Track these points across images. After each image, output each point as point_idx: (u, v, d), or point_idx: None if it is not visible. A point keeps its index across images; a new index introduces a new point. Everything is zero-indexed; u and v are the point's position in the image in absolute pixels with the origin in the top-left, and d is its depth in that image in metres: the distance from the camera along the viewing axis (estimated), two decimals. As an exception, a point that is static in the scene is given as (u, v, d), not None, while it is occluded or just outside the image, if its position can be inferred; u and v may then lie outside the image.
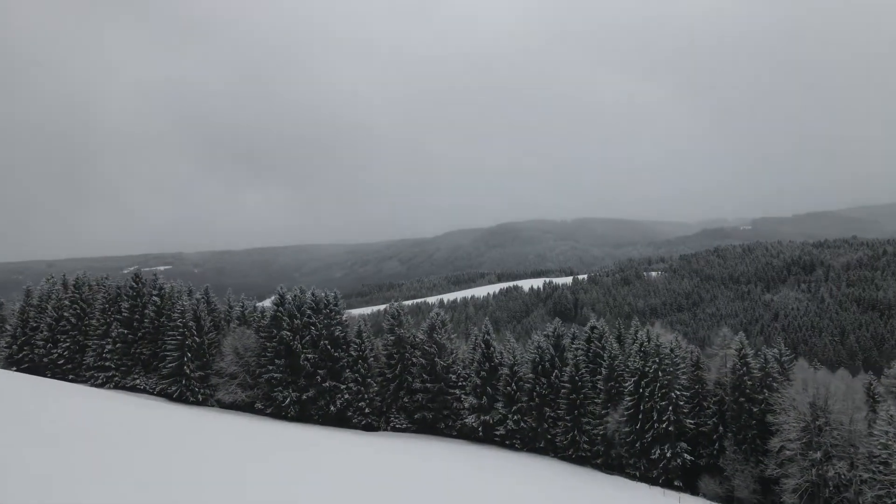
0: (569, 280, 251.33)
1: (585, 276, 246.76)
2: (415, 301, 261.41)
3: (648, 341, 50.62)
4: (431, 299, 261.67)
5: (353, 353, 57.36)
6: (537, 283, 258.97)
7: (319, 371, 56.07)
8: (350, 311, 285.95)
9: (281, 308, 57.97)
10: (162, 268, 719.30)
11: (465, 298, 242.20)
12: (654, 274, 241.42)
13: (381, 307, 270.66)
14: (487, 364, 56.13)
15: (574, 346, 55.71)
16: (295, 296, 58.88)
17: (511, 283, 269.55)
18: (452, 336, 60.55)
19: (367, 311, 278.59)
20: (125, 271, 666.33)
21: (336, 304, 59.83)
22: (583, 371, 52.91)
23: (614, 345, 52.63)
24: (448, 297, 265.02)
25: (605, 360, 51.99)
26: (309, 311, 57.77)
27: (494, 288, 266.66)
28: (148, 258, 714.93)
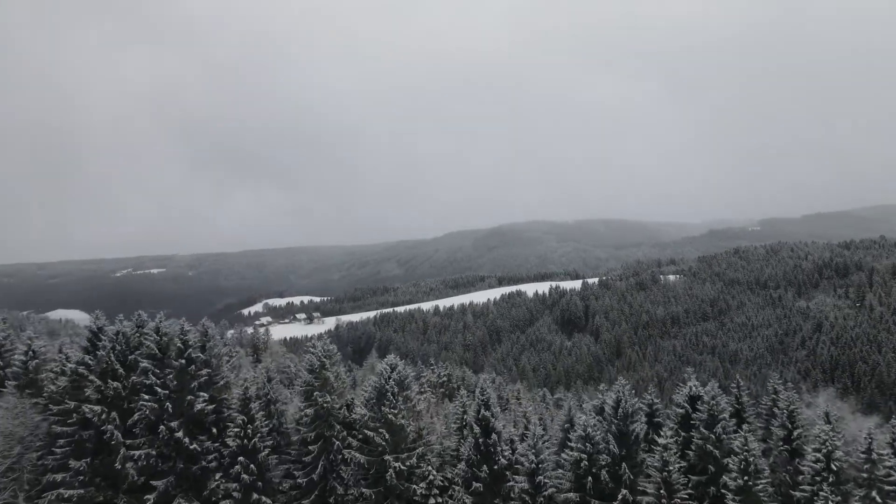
0: (577, 284, 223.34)
1: (595, 280, 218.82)
2: (408, 307, 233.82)
3: (831, 433, 22.65)
4: (426, 305, 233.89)
5: (230, 441, 29.58)
6: (542, 287, 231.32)
7: (158, 480, 28.35)
8: (340, 317, 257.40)
9: (90, 357, 30.05)
10: (155, 270, 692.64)
11: (462, 305, 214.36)
12: (671, 277, 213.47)
13: (374, 313, 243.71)
14: (485, 467, 28.47)
15: (662, 438, 27.76)
16: (120, 332, 30.90)
17: (513, 288, 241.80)
18: (420, 406, 32.65)
19: (355, 317, 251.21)
20: (117, 274, 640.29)
21: (204, 348, 31.71)
22: (680, 494, 25.07)
23: (751, 444, 24.71)
24: (444, 302, 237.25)
25: (732, 472, 24.23)
26: (146, 364, 29.88)
27: (495, 293, 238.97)
28: (142, 260, 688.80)
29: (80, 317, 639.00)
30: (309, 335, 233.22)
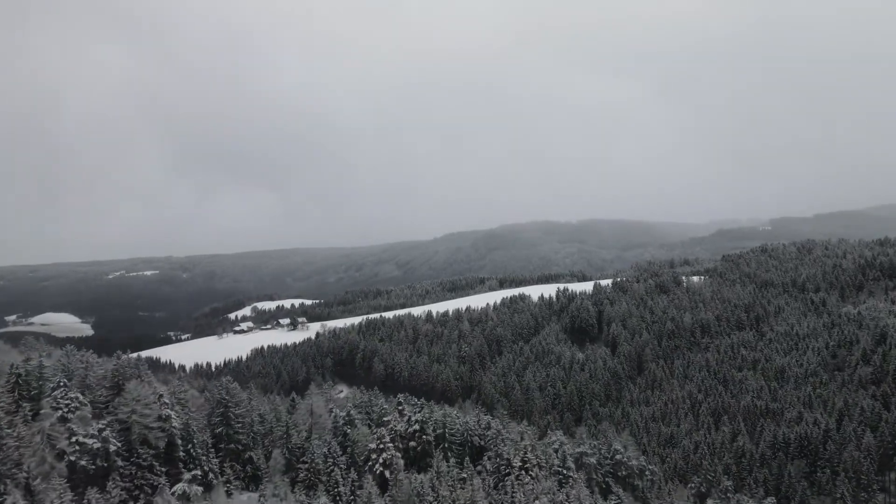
0: (587, 287, 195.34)
1: (609, 282, 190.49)
2: (397, 313, 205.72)
3: None
4: (417, 310, 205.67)
5: None
6: (547, 289, 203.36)
7: None
8: (326, 322, 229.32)
9: None
10: (149, 272, 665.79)
11: (458, 310, 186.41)
12: (694, 279, 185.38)
13: (360, 318, 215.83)
14: None
15: None
16: None
17: (516, 291, 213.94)
18: None
19: (343, 323, 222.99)
20: (110, 276, 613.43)
21: None
22: None
23: None
24: (439, 307, 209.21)
25: None
26: None
27: (496, 296, 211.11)
28: (136, 262, 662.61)
29: (69, 320, 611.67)
30: (289, 343, 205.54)
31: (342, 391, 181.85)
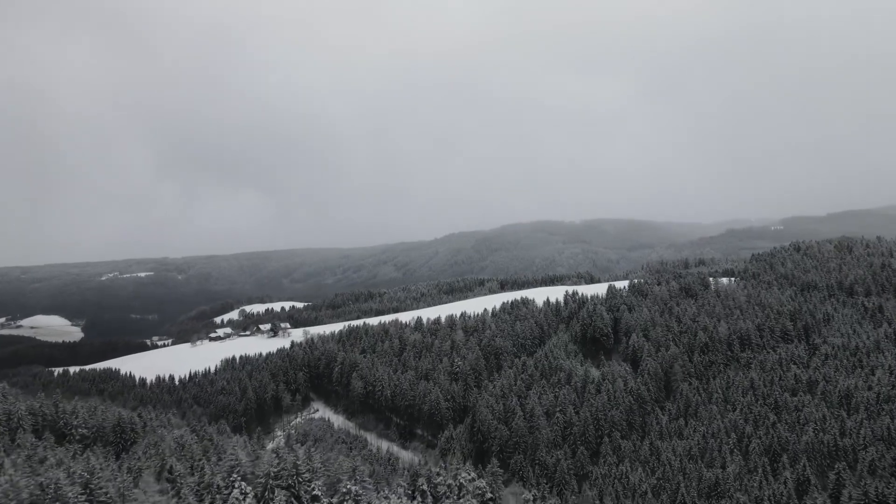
0: (598, 289, 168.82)
1: (625, 284, 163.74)
2: (383, 319, 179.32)
3: None
4: (407, 316, 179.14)
5: None
6: (553, 293, 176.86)
7: None
8: (308, 328, 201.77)
9: None
10: (143, 274, 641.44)
11: (452, 316, 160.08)
12: (724, 281, 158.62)
13: (343, 325, 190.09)
14: None
15: None
16: None
17: (518, 294, 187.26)
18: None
19: (323, 329, 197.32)
20: (103, 278, 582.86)
21: None
22: None
23: None
24: (433, 312, 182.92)
25: None
26: None
27: (496, 300, 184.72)
28: (130, 263, 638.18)
29: (59, 323, 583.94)
30: (265, 352, 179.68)
31: (317, 410, 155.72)
